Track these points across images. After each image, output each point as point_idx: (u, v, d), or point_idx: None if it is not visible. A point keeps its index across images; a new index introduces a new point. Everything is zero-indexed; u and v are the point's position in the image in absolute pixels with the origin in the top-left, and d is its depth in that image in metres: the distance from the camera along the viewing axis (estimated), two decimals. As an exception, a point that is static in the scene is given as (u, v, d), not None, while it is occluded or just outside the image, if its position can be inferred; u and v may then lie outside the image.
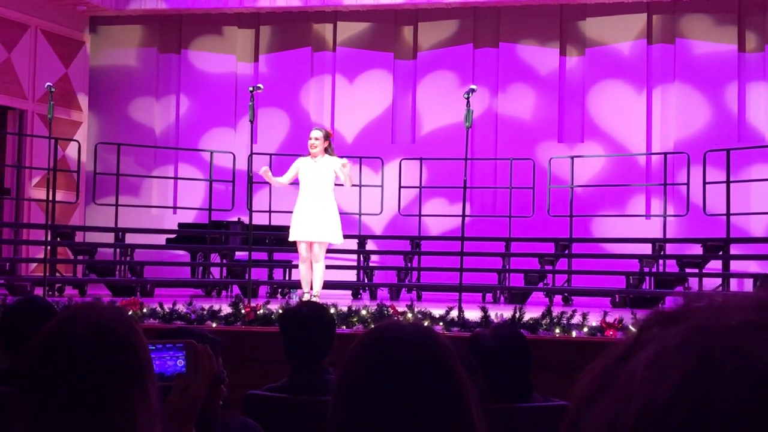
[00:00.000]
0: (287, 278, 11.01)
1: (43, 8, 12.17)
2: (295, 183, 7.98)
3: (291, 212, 8.04)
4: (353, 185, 7.86)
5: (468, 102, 6.89)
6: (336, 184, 7.92)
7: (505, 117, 12.58)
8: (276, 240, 10.81)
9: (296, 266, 9.26)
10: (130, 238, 10.70)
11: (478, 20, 12.67)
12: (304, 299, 7.38)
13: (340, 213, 8.19)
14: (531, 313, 6.40)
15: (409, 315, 6.45)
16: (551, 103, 12.51)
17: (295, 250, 8.08)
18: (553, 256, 10.63)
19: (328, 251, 8.24)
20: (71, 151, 11.93)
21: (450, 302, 7.13)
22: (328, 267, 8.28)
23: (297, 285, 9.70)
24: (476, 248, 10.61)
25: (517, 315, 6.27)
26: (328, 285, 8.52)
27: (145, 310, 6.64)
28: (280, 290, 10.71)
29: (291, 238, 7.90)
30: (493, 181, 12.45)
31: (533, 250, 10.87)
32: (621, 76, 12.25)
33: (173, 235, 11.16)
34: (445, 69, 12.76)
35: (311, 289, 7.80)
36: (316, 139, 7.83)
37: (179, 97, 13.26)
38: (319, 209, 7.72)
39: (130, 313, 6.37)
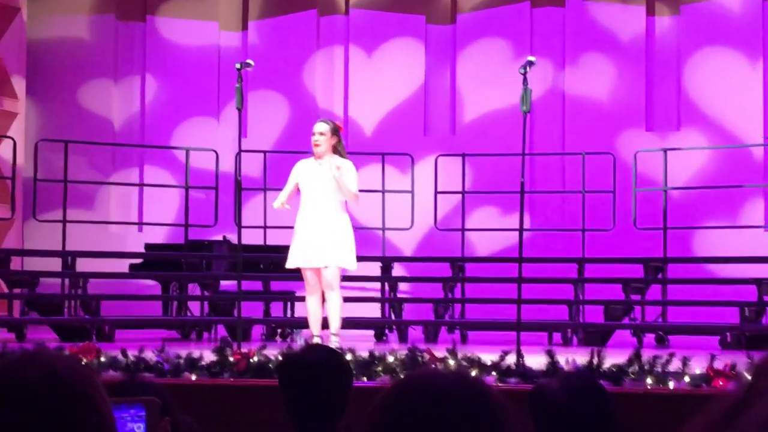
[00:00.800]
0: (289, 315, 11.00)
1: (-34, -35, 12.29)
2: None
3: (292, 228, 8.05)
4: (357, 193, 7.84)
5: (525, 79, 6.87)
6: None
7: (575, 98, 12.54)
8: (274, 265, 10.81)
9: (301, 299, 9.27)
10: (83, 265, 10.76)
11: (537, -29, 12.70)
12: (312, 342, 7.38)
13: (357, 228, 8.19)
14: (613, 358, 6.37)
15: (451, 362, 6.44)
16: (636, 80, 12.46)
17: (300, 278, 8.09)
18: (641, 281, 10.57)
19: (343, 278, 8.24)
20: (4, 150, 12.03)
21: (505, 345, 7.10)
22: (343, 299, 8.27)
23: (303, 324, 9.68)
24: (539, 272, 10.56)
25: (595, 361, 6.24)
26: (343, 322, 8.50)
27: (103, 359, 6.66)
28: (279, 331, 10.70)
29: (289, 265, 7.90)
30: (560, 184, 12.39)
31: (615, 273, 10.81)
32: (729, 41, 12.19)
33: (139, 260, 11.21)
34: (493, 35, 12.75)
35: (325, 330, 7.81)
36: (321, 134, 7.84)
37: (145, 79, 13.34)
38: (326, 225, 7.72)
39: (83, 362, 6.40)
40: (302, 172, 7.91)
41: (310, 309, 7.90)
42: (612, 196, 10.88)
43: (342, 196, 7.79)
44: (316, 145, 7.83)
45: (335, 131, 7.88)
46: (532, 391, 3.26)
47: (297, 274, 8.19)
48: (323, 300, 7.89)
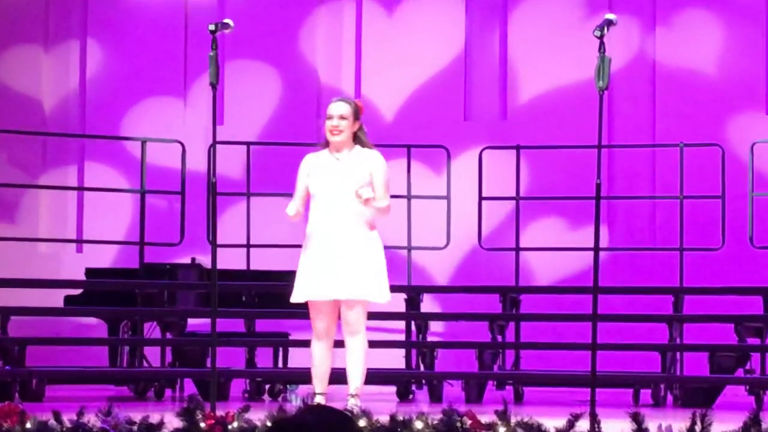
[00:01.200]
0: (281, 366, 10.98)
1: None
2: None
3: (292, 247, 8.02)
4: (389, 203, 7.85)
5: (602, 44, 6.86)
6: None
7: (669, 70, 12.50)
8: (260, 297, 10.79)
9: (302, 343, 9.26)
10: (1, 297, 10.78)
11: None
12: (313, 402, 7.35)
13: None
14: (723, 424, 6.34)
15: (502, 430, 6.42)
16: (754, 45, 12.41)
17: (298, 316, 8.08)
18: (761, 319, 10.52)
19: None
20: None
21: (574, 406, 7.08)
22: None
23: (300, 378, 9.66)
24: (620, 307, 10.52)
25: (698, 427, 6.21)
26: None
27: (29, 425, 6.66)
28: (267, 387, 10.69)
29: (296, 298, 7.82)
30: (649, 186, 12.35)
31: (724, 309, 10.76)
32: None
33: (77, 291, 11.21)
34: (559, -14, 12.76)
35: (345, 385, 7.77)
36: (342, 117, 7.80)
37: (86, 46, 13.36)
38: (348, 243, 7.70)
39: (5, 429, 6.41)
40: (313, 169, 7.86)
41: (317, 358, 7.83)
42: (720, 202, 10.84)
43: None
44: (336, 132, 7.78)
45: (357, 113, 7.86)
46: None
47: (292, 310, 8.17)
48: (330, 349, 7.84)
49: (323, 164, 7.82)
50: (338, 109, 7.84)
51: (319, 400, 7.62)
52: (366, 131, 7.91)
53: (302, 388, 10.07)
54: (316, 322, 7.81)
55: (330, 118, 7.83)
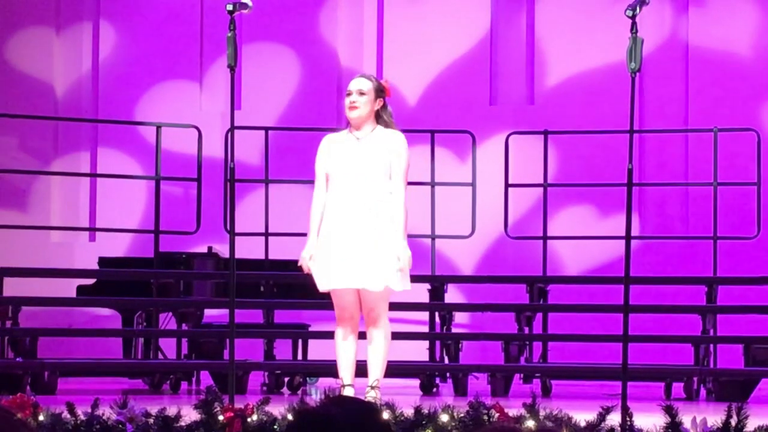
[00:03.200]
0: (300, 357, 11.00)
1: None
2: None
3: (303, 235, 8.03)
4: (404, 192, 7.84)
5: (634, 24, 6.85)
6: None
7: (702, 52, 12.46)
8: (279, 287, 10.80)
9: (322, 335, 9.25)
10: (12, 287, 10.81)
11: None
12: (342, 394, 7.34)
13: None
14: (759, 418, 6.34)
15: (530, 423, 6.43)
16: (789, 25, 12.39)
17: (318, 306, 8.07)
18: (797, 311, 10.53)
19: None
20: None
21: (604, 399, 7.08)
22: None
23: (322, 371, 9.66)
24: (652, 298, 10.50)
25: (734, 421, 6.21)
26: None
27: (42, 418, 6.68)
28: (287, 380, 10.71)
29: (324, 287, 7.78)
30: (682, 173, 12.33)
31: (760, 300, 10.74)
32: None
33: (90, 281, 11.24)
34: (588, -35, 12.73)
35: (366, 378, 7.77)
36: (361, 93, 7.79)
37: (98, 28, 13.37)
38: (367, 229, 7.69)
39: (16, 418, 6.43)
40: (332, 149, 7.83)
41: (343, 349, 7.80)
42: (756, 190, 10.81)
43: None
44: (353, 108, 7.77)
45: (380, 92, 7.83)
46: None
47: (312, 301, 8.17)
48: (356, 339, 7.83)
49: (343, 144, 7.78)
50: (357, 84, 7.82)
51: (348, 392, 7.61)
52: (392, 112, 7.86)
53: (323, 381, 10.09)
54: (339, 308, 7.80)
55: (349, 93, 7.82)
